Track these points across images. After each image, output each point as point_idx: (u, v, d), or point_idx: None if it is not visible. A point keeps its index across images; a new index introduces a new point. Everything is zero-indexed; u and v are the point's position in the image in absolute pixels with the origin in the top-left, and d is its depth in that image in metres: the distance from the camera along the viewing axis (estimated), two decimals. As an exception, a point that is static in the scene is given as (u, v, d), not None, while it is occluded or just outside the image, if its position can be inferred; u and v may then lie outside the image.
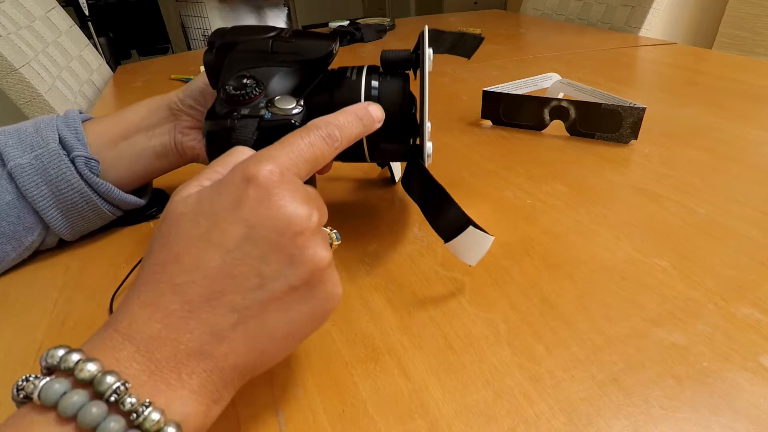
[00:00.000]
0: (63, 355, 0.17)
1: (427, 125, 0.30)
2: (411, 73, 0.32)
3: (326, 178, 0.44)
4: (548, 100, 0.49)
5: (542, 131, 0.51)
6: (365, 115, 0.26)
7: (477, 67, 0.78)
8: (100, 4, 3.04)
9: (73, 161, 0.34)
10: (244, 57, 0.30)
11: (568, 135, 0.50)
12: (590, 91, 0.51)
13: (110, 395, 0.16)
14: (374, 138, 0.30)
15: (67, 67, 0.87)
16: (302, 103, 0.28)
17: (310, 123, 0.24)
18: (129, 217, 0.40)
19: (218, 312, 0.18)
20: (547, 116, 0.50)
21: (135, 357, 0.17)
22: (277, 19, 5.66)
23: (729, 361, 0.24)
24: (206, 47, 0.32)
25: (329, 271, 0.21)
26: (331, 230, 0.24)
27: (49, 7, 0.93)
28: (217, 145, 0.28)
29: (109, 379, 0.16)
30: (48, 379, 0.16)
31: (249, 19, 5.74)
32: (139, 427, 0.16)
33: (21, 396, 0.16)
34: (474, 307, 0.28)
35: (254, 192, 0.19)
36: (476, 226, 0.27)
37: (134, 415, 0.16)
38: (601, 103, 0.46)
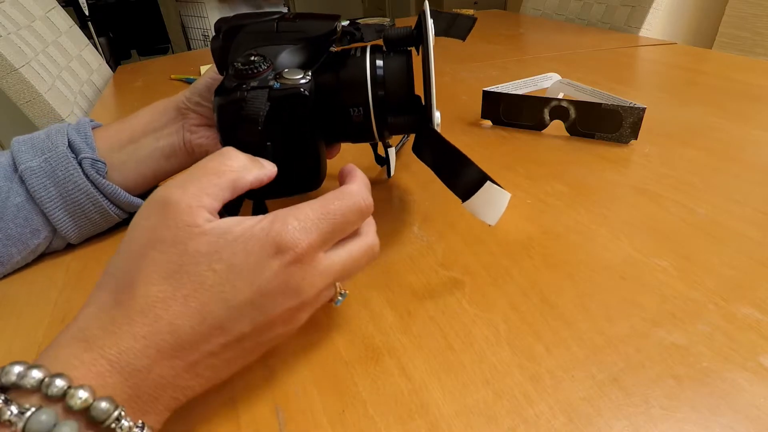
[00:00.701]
0: (46, 380, 0.16)
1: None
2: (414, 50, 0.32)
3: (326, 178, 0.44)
4: (548, 100, 0.49)
5: (542, 131, 0.51)
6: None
7: (477, 67, 0.78)
8: (100, 4, 3.04)
9: (80, 163, 0.35)
10: (250, 38, 0.30)
11: (568, 135, 0.50)
12: (590, 91, 0.51)
13: (110, 423, 0.17)
14: (381, 114, 0.30)
15: (67, 67, 0.87)
16: (310, 74, 0.29)
17: (334, 195, 0.23)
18: (129, 216, 0.40)
19: (202, 354, 0.20)
20: (547, 116, 0.50)
21: (123, 387, 0.18)
22: (277, 19, 5.64)
23: (729, 361, 0.24)
24: (208, 45, 0.33)
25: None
26: (340, 291, 0.24)
27: (49, 7, 0.93)
28: (228, 118, 0.28)
29: (104, 405, 0.17)
30: (33, 410, 0.16)
31: (249, 19, 5.70)
32: None
33: None
34: (474, 307, 0.28)
35: (278, 266, 0.20)
36: (493, 182, 0.27)
37: None
38: (601, 103, 0.46)
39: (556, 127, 0.50)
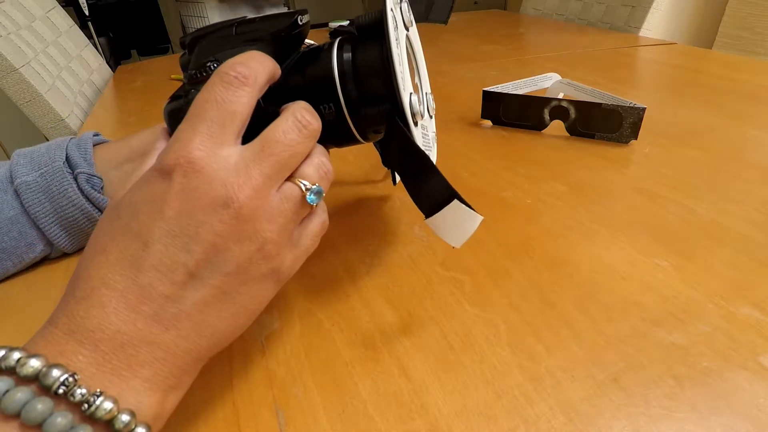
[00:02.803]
0: (3, 355, 0.16)
1: (427, 96, 0.28)
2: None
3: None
4: (548, 100, 0.49)
5: (542, 131, 0.51)
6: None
7: (477, 67, 0.78)
8: (100, 4, 3.04)
9: (75, 178, 0.35)
10: (209, 45, 0.29)
11: (568, 135, 0.50)
12: (590, 91, 0.51)
13: (58, 388, 0.16)
14: (356, 109, 0.27)
15: (67, 67, 0.87)
16: None
17: (208, 82, 0.21)
18: None
19: (155, 302, 0.18)
20: (547, 116, 0.50)
21: (80, 350, 0.17)
22: (277, 19, 5.63)
23: (729, 361, 0.24)
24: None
25: (266, 249, 0.20)
26: (306, 187, 0.22)
27: (49, 7, 0.93)
28: (173, 122, 0.27)
29: (56, 372, 0.16)
30: None
31: (249, 19, 5.70)
32: (91, 417, 0.16)
33: None
34: (474, 307, 0.28)
35: (176, 181, 0.19)
36: (462, 201, 0.24)
37: (85, 405, 0.16)
38: (601, 103, 0.46)
39: (556, 127, 0.50)
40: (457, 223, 0.25)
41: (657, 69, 0.73)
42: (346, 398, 0.24)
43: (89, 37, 1.51)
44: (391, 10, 0.27)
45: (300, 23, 0.29)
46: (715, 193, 0.38)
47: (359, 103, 0.28)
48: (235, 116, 0.21)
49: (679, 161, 0.43)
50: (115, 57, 2.91)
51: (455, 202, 0.24)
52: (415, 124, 0.28)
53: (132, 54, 3.30)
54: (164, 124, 0.39)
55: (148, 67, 1.02)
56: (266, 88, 0.23)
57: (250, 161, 0.20)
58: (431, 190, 0.25)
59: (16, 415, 0.15)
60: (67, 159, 0.35)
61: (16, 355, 0.16)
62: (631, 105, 0.45)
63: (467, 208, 0.24)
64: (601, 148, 0.47)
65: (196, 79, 0.26)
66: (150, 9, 3.24)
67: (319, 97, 0.27)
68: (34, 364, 0.16)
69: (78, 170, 0.35)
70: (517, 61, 0.81)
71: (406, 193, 0.32)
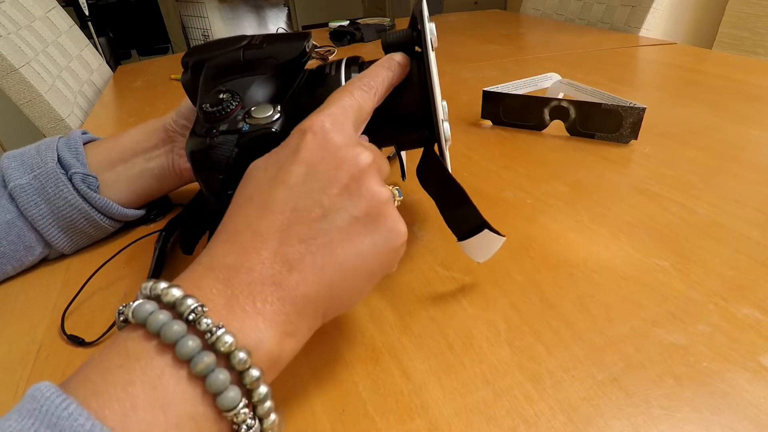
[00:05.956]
0: (152, 285, 0.18)
1: (443, 105, 0.29)
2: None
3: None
4: (548, 100, 0.49)
5: (542, 131, 0.51)
6: (390, 63, 0.28)
7: (477, 67, 0.78)
8: (100, 4, 3.04)
9: (70, 179, 0.34)
10: (217, 72, 0.29)
11: (568, 135, 0.50)
12: (590, 91, 0.51)
13: (188, 314, 0.17)
14: (387, 129, 0.29)
15: (67, 67, 0.87)
16: (279, 109, 0.27)
17: (347, 83, 0.26)
18: (124, 226, 0.39)
19: (287, 242, 0.20)
20: (547, 116, 0.50)
21: (215, 284, 0.19)
22: (277, 19, 5.66)
23: (729, 361, 0.24)
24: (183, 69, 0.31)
25: (388, 208, 0.23)
26: (393, 187, 0.25)
27: (49, 7, 0.93)
28: (198, 166, 0.27)
29: (189, 301, 0.18)
30: (140, 301, 0.18)
31: (249, 19, 5.73)
32: (212, 347, 0.17)
33: (121, 319, 0.18)
34: (474, 307, 0.28)
35: (311, 138, 0.22)
36: (491, 229, 0.27)
37: (208, 335, 0.17)
38: (601, 103, 0.46)
39: (556, 127, 0.50)
40: (484, 246, 0.28)
41: (657, 69, 0.73)
42: (346, 398, 0.24)
43: (89, 37, 1.51)
44: (431, 33, 0.27)
45: (308, 51, 0.30)
46: (715, 193, 0.38)
47: (393, 130, 0.29)
48: (361, 110, 0.25)
49: (679, 161, 0.43)
50: (115, 57, 2.91)
51: (486, 231, 0.27)
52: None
53: (132, 54, 3.31)
54: (152, 122, 0.38)
55: (148, 67, 1.02)
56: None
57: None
58: (464, 218, 0.28)
59: (157, 334, 0.17)
60: (59, 159, 0.35)
61: (163, 284, 0.18)
62: (631, 105, 0.45)
63: (495, 234, 0.27)
64: (601, 148, 0.47)
65: (214, 117, 0.27)
66: (150, 9, 3.24)
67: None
68: (174, 293, 0.18)
69: (72, 170, 0.34)
70: (517, 61, 0.81)
71: (406, 193, 0.32)
